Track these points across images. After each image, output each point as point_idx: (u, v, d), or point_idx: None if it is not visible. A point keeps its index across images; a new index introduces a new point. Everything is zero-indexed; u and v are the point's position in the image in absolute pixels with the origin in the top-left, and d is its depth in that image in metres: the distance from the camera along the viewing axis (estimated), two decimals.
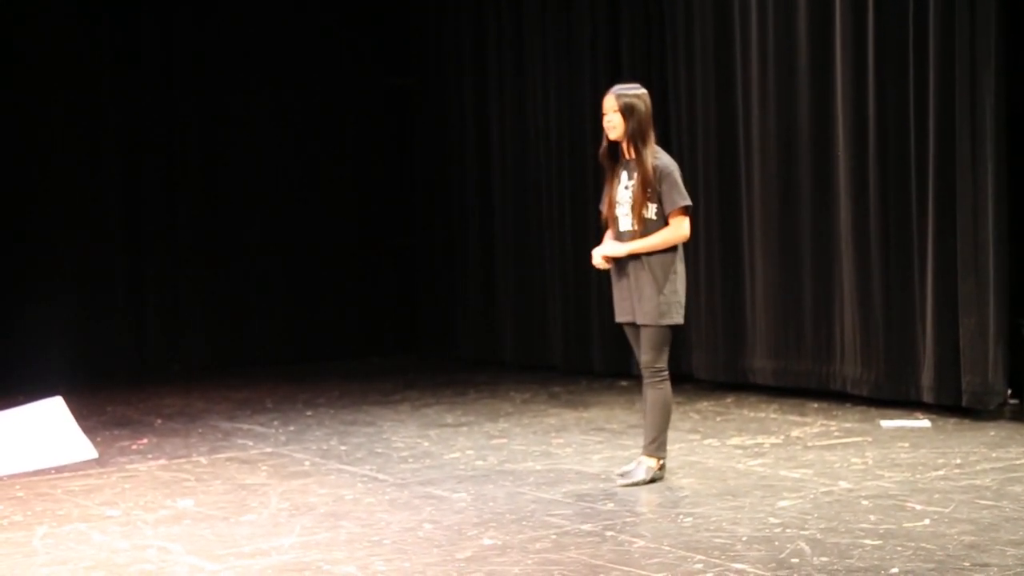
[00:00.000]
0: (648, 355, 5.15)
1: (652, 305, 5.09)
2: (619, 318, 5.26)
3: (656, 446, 5.20)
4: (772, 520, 4.49)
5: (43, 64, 9.22)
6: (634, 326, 5.20)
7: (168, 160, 9.66)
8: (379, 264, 10.33)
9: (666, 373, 5.18)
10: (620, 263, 5.19)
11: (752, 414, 6.88)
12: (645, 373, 5.18)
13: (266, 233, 9.91)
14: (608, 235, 5.27)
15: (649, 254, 5.09)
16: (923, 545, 4.10)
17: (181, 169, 9.69)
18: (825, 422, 6.53)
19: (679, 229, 5.12)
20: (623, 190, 5.18)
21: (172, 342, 9.68)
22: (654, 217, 5.11)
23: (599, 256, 5.23)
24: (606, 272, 5.31)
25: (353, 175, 10.22)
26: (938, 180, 6.49)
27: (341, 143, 10.17)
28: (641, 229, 5.11)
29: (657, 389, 5.16)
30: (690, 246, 8.00)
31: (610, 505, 4.84)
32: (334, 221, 10.14)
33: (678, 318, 5.16)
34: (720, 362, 7.80)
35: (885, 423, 6.40)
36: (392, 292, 10.37)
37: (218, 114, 9.74)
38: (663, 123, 8.18)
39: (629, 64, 8.28)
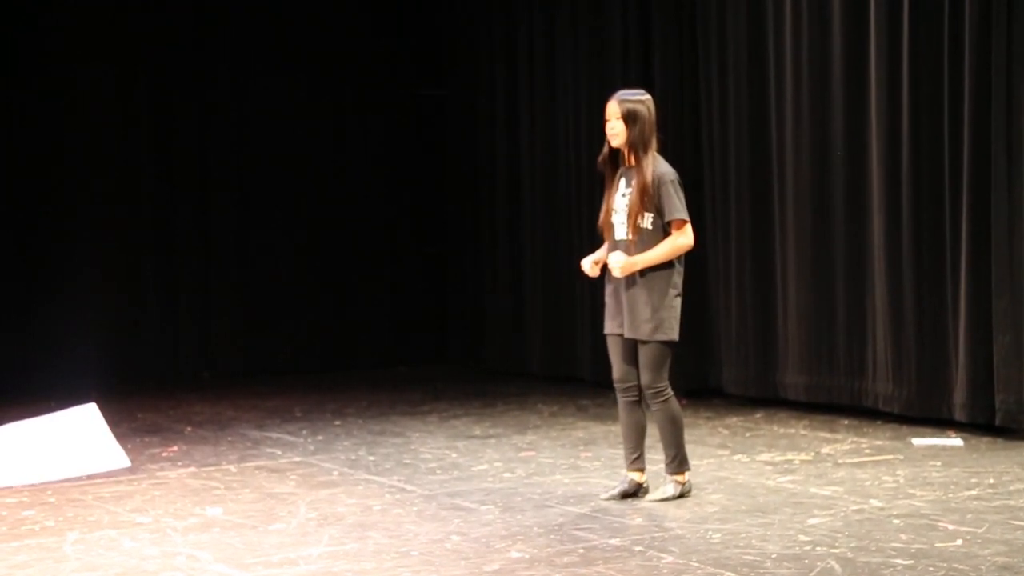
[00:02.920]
0: (647, 375, 5.02)
1: (645, 319, 4.98)
2: (607, 330, 5.15)
3: (678, 462, 5.15)
4: (802, 538, 4.46)
5: (75, 71, 9.30)
6: (620, 338, 5.08)
7: (201, 169, 9.72)
8: (408, 273, 10.36)
9: (668, 392, 5.06)
10: (612, 274, 5.06)
11: (782, 430, 6.84)
12: (648, 394, 5.06)
13: (296, 242, 9.95)
14: (604, 245, 5.20)
15: (648, 267, 4.97)
16: (955, 566, 4.06)
17: (214, 178, 9.75)
18: (856, 439, 6.48)
19: (683, 239, 5.00)
20: (620, 198, 5.08)
21: (203, 350, 9.73)
22: (650, 227, 5.00)
23: (590, 264, 5.11)
24: None
25: (383, 184, 10.26)
26: (972, 197, 6.44)
27: (372, 152, 10.21)
28: (636, 238, 5.00)
29: (664, 408, 5.05)
30: (721, 261, 8.00)
31: (638, 520, 4.82)
32: (364, 230, 10.17)
33: (672, 334, 5.02)
34: (750, 377, 7.76)
35: (917, 441, 6.35)
36: (420, 302, 10.39)
37: (251, 124, 9.80)
38: (695, 136, 8.18)
39: (661, 76, 8.27)
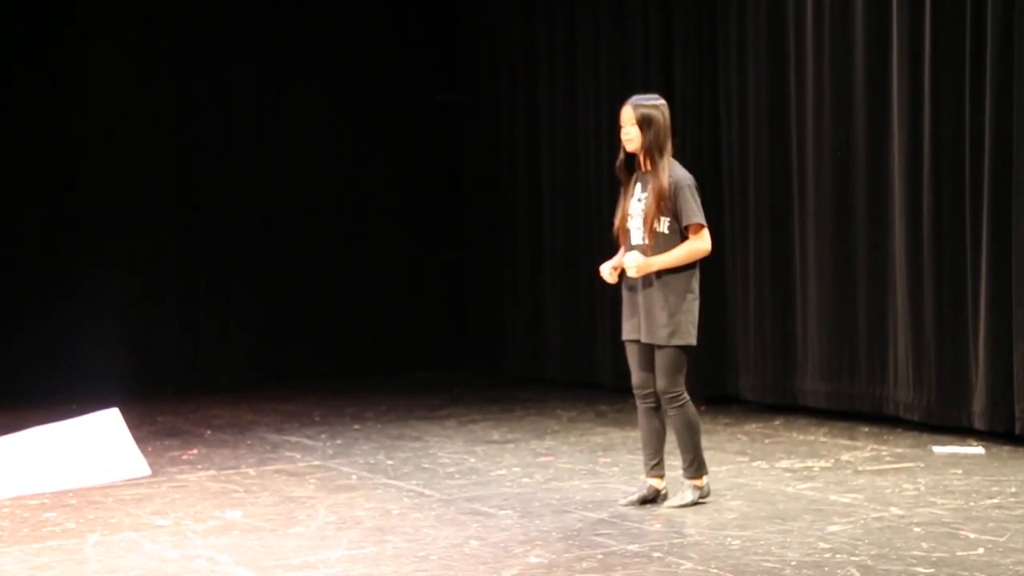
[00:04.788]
0: (663, 380, 5.02)
1: (662, 324, 4.97)
2: (624, 335, 5.15)
3: (696, 467, 5.14)
4: (822, 545, 4.44)
5: (97, 74, 9.35)
6: (638, 344, 5.09)
7: (221, 173, 9.76)
8: (427, 279, 10.37)
9: (685, 396, 5.06)
10: (629, 279, 5.07)
11: (801, 437, 6.82)
12: (664, 400, 5.07)
13: (316, 247, 9.98)
14: (621, 251, 5.19)
15: (665, 271, 4.98)
16: (977, 575, 4.04)
17: (233, 182, 9.79)
18: (876, 446, 6.46)
19: (701, 243, 4.99)
20: (636, 203, 5.08)
21: (222, 354, 9.77)
22: (666, 231, 5.00)
23: (609, 269, 5.09)
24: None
25: (402, 190, 10.28)
26: (993, 204, 6.42)
27: (392, 158, 10.23)
28: (653, 243, 4.99)
29: (680, 413, 5.05)
30: (740, 266, 7.98)
31: (657, 526, 4.81)
32: (383, 235, 10.19)
33: (690, 339, 5.02)
34: (769, 384, 7.74)
35: (937, 449, 6.32)
36: (439, 307, 10.40)
37: (270, 129, 9.84)
38: (715, 142, 8.17)
39: (681, 81, 8.27)
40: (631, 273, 5.03)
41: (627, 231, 5.11)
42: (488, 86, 10.06)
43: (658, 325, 5.00)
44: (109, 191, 9.41)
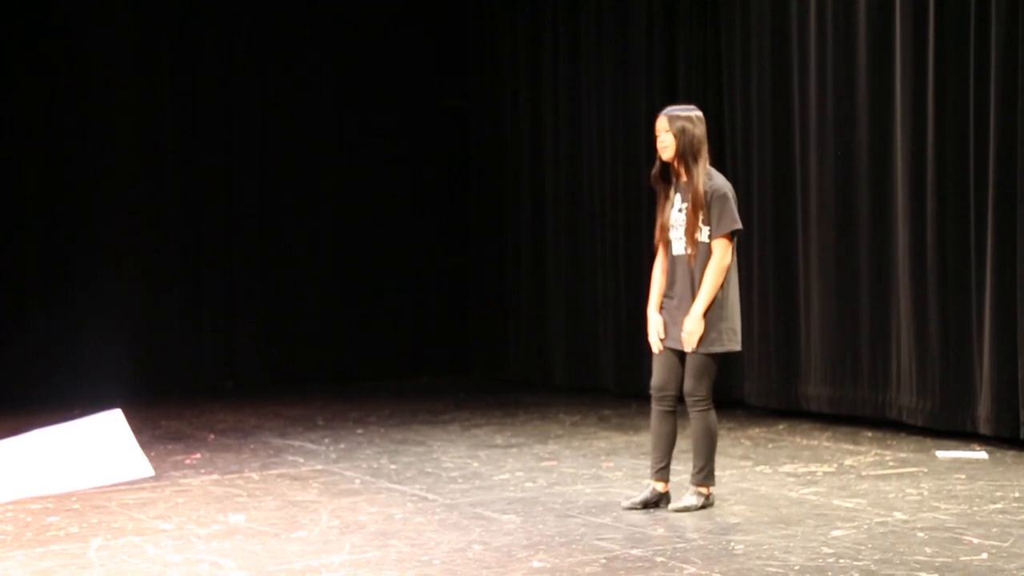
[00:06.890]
0: (692, 383, 5.07)
1: (708, 331, 5.01)
2: (667, 344, 5.18)
3: (705, 475, 5.15)
4: (825, 550, 4.44)
5: (103, 77, 9.37)
6: (677, 353, 5.12)
7: (225, 178, 9.78)
8: (431, 283, 10.38)
9: (710, 402, 5.10)
10: (670, 289, 5.13)
11: (805, 442, 6.82)
12: (689, 401, 5.10)
13: (320, 252, 10.00)
14: (658, 261, 5.20)
15: (700, 281, 5.02)
16: None
17: (238, 187, 9.81)
18: (879, 451, 6.45)
19: (723, 259, 5.04)
20: (676, 213, 5.13)
21: (226, 359, 9.78)
22: (707, 240, 5.07)
23: (657, 341, 5.09)
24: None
25: (407, 195, 10.29)
26: (997, 209, 6.41)
27: (396, 163, 10.25)
28: (695, 252, 5.05)
29: (702, 418, 5.09)
30: (744, 272, 7.97)
31: (660, 530, 4.81)
32: (387, 241, 10.21)
33: (731, 345, 5.08)
34: (773, 388, 7.74)
35: (941, 454, 6.31)
36: (443, 311, 10.41)
37: (277, 134, 9.86)
38: (719, 147, 8.16)
39: (685, 87, 8.27)
40: (692, 345, 5.03)
41: (668, 242, 5.15)
42: (493, 92, 10.07)
43: (705, 333, 5.02)
44: (112, 195, 9.42)
